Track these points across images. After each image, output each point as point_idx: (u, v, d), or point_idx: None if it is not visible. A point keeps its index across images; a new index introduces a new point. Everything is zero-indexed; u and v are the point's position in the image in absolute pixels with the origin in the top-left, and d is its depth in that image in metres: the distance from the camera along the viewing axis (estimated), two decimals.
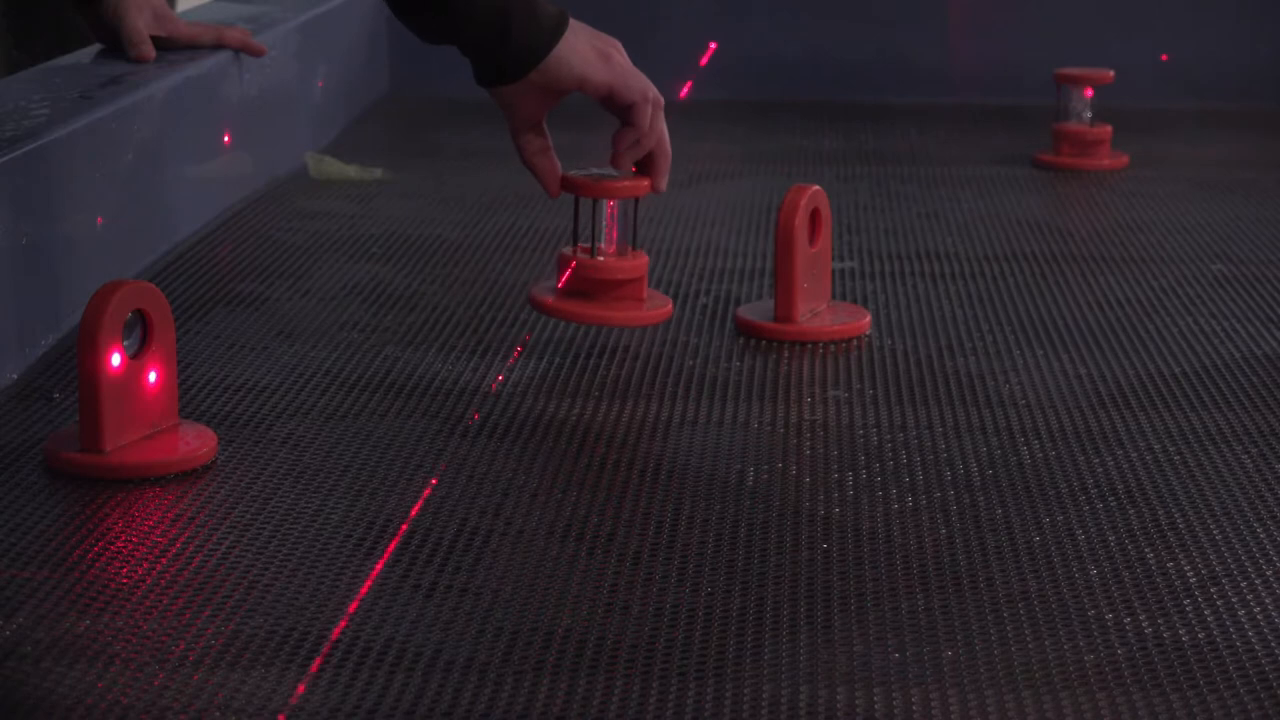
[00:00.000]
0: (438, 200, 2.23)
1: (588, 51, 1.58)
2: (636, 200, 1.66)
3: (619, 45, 1.63)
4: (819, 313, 1.74)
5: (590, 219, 1.64)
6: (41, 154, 1.66)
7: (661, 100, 1.63)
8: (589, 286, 1.65)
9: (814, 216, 1.72)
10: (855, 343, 1.71)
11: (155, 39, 2.13)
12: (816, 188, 1.73)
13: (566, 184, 1.63)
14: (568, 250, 1.66)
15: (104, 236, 1.81)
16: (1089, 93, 2.55)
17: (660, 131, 1.63)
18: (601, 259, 1.65)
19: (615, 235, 1.65)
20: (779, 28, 3.13)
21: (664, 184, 1.65)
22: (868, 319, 1.74)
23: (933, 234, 2.15)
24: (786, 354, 1.67)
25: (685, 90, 2.94)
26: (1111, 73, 2.56)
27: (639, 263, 1.66)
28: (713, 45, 3.08)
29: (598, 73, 1.58)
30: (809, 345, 1.69)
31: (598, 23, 1.62)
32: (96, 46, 2.17)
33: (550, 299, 1.65)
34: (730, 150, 2.67)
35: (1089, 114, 2.56)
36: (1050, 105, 2.60)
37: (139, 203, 1.93)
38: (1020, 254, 2.06)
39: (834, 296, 1.81)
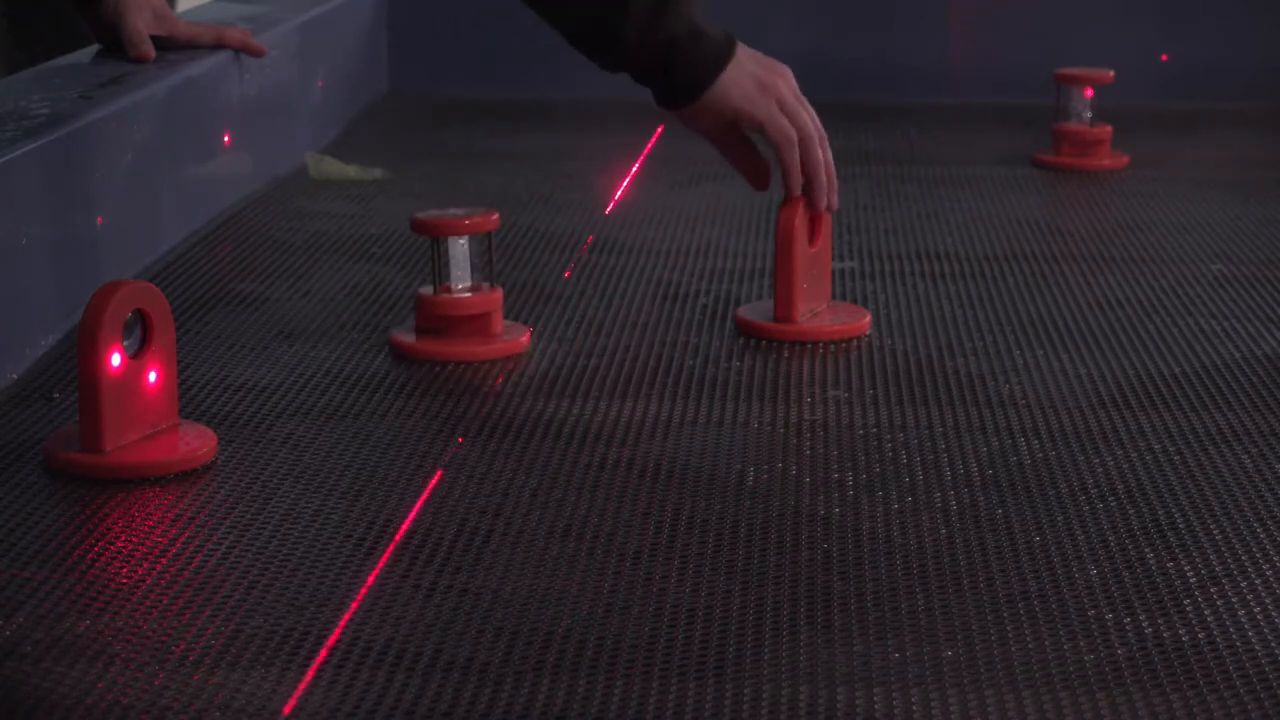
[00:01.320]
0: (438, 200, 2.23)
1: (748, 85, 1.62)
2: (489, 236, 1.66)
3: (786, 74, 1.67)
4: (819, 313, 1.74)
5: (442, 257, 1.67)
6: (41, 154, 1.66)
7: (815, 136, 1.67)
8: (440, 324, 1.67)
9: (814, 216, 1.72)
10: (855, 343, 1.71)
11: (155, 38, 2.13)
12: None
13: (413, 224, 1.66)
14: (426, 290, 1.68)
15: (104, 236, 1.81)
16: (1089, 93, 2.55)
17: (814, 165, 1.68)
18: (448, 296, 1.66)
19: (467, 272, 1.67)
20: (779, 28, 3.13)
21: (824, 205, 1.70)
22: (868, 319, 1.74)
23: (933, 234, 2.15)
24: (786, 354, 1.67)
25: None
26: (1111, 73, 2.56)
27: (487, 298, 1.67)
28: None
29: (753, 109, 1.63)
30: (809, 345, 1.69)
31: None
32: (96, 46, 2.17)
33: (407, 340, 1.67)
34: None
35: (1089, 114, 2.56)
36: (1050, 105, 2.60)
37: (139, 203, 1.93)
38: (1020, 254, 2.06)
39: (834, 296, 1.81)
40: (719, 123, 1.66)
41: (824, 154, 1.68)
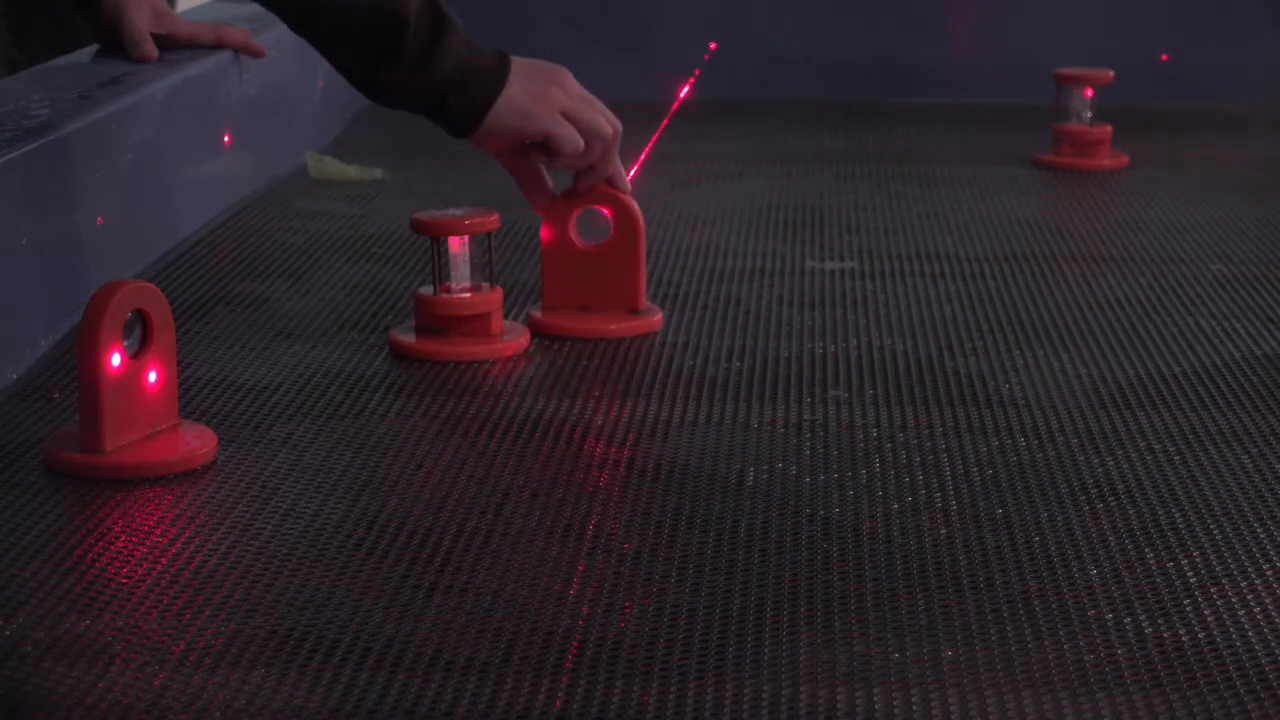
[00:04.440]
0: (438, 200, 2.23)
1: (524, 103, 1.63)
2: (489, 236, 1.67)
3: (563, 78, 1.66)
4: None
5: (443, 256, 1.67)
6: (42, 154, 1.66)
7: (608, 134, 1.66)
8: (440, 324, 1.67)
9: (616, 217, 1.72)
10: (855, 342, 1.71)
11: (155, 37, 2.13)
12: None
13: (412, 224, 1.67)
14: (426, 290, 1.68)
15: (104, 236, 1.81)
16: (1089, 93, 2.55)
17: (602, 175, 1.69)
18: (447, 296, 1.67)
19: (466, 272, 1.68)
20: (779, 28, 3.14)
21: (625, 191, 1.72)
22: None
23: (932, 234, 2.15)
24: (787, 354, 1.67)
25: (685, 90, 2.95)
26: (1111, 73, 2.56)
27: (487, 298, 1.67)
28: (713, 45, 3.08)
29: (533, 125, 1.63)
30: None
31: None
32: (96, 46, 2.17)
33: (406, 339, 1.67)
34: (730, 150, 2.67)
35: (1089, 114, 2.56)
36: (1050, 105, 2.60)
37: (139, 203, 1.93)
38: (1020, 254, 2.06)
39: (833, 296, 1.81)
40: (509, 144, 1.66)
41: (614, 154, 1.68)
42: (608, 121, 1.66)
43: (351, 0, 1.57)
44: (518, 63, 1.64)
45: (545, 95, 1.64)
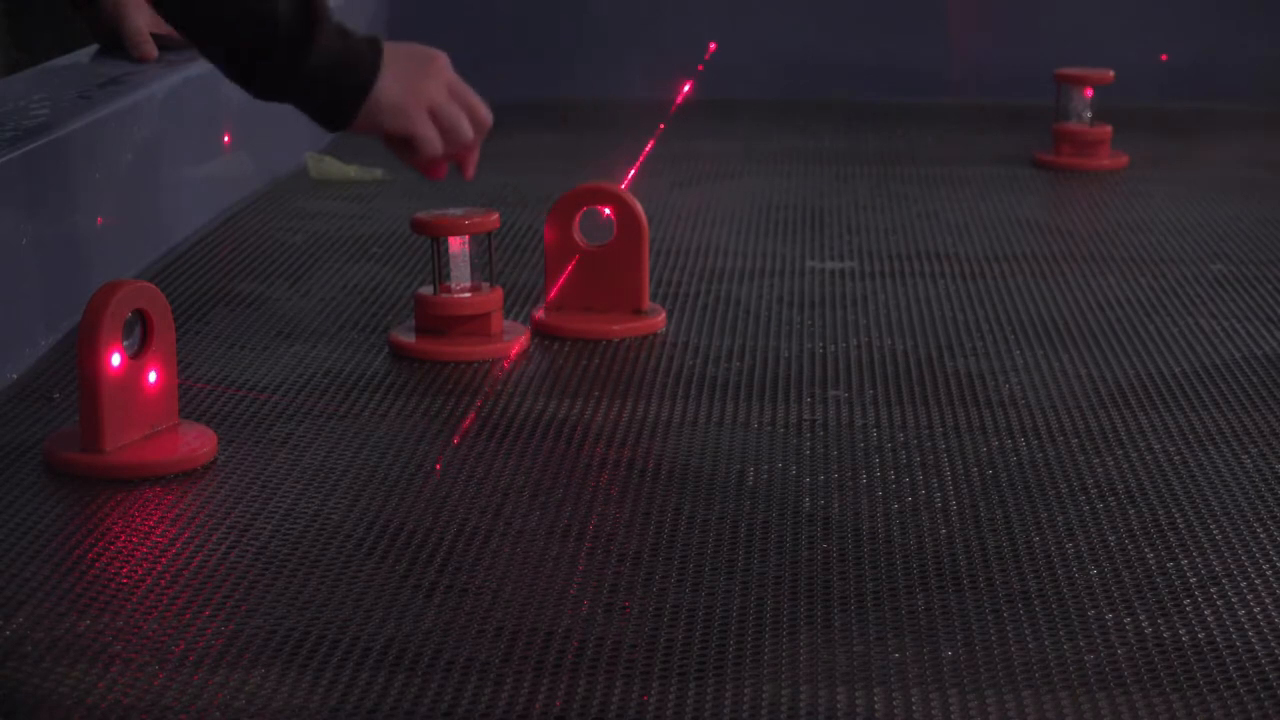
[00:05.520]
0: (438, 200, 2.23)
1: (395, 99, 1.59)
2: (489, 236, 1.66)
3: (438, 69, 1.62)
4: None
5: (444, 256, 1.67)
6: (41, 154, 1.66)
7: (466, 136, 1.61)
8: (440, 324, 1.67)
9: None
10: (855, 342, 1.71)
11: (155, 37, 2.13)
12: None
13: (412, 224, 1.66)
14: (426, 290, 1.68)
15: (104, 236, 1.81)
16: (1089, 93, 2.55)
17: (465, 161, 1.64)
18: (447, 296, 1.67)
19: (466, 272, 1.67)
20: (779, 28, 3.13)
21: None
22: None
23: (932, 234, 2.15)
24: (787, 354, 1.67)
25: (685, 90, 2.95)
26: (1111, 73, 2.56)
27: (487, 298, 1.67)
28: (713, 45, 3.08)
29: (398, 125, 1.60)
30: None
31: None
32: (96, 46, 2.17)
33: (406, 339, 1.67)
34: (730, 150, 2.67)
35: (1089, 114, 2.56)
36: (1050, 105, 2.60)
37: (139, 203, 1.93)
38: (1020, 254, 2.06)
39: (833, 296, 1.81)
40: (375, 135, 1.63)
41: (476, 145, 1.64)
42: (474, 119, 1.62)
43: (221, 1, 1.56)
44: (391, 52, 1.60)
45: (416, 90, 1.60)
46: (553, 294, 1.74)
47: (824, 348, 1.69)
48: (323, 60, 1.56)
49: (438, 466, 1.39)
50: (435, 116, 1.61)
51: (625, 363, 1.65)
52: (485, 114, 1.64)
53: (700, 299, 1.85)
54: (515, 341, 1.67)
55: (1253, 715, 1.03)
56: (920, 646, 1.10)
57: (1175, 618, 1.14)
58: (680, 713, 1.02)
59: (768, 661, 1.08)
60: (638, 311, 1.74)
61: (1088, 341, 1.72)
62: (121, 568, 1.21)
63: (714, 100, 2.95)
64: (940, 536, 1.27)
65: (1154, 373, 1.63)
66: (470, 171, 1.67)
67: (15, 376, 1.58)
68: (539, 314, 1.73)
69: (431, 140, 1.61)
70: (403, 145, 1.63)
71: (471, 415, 1.52)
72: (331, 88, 1.58)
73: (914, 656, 1.09)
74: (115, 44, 2.13)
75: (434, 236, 1.66)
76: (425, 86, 1.61)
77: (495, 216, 1.67)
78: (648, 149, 2.56)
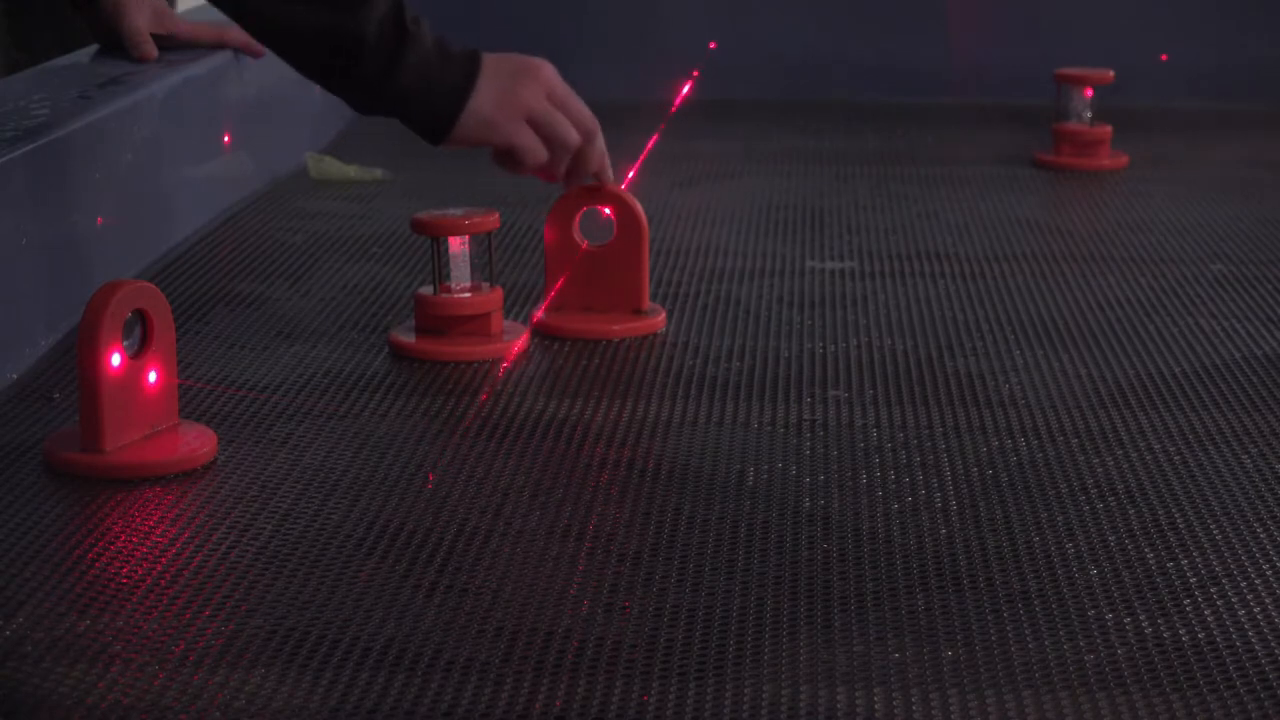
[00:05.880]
0: (438, 200, 2.23)
1: (490, 112, 1.60)
2: (489, 236, 1.67)
3: (539, 77, 1.62)
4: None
5: (447, 256, 1.67)
6: (41, 154, 1.66)
7: (572, 142, 1.64)
8: (440, 324, 1.67)
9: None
10: (855, 342, 1.71)
11: (155, 37, 2.13)
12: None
13: (412, 224, 1.66)
14: (426, 290, 1.68)
15: (104, 236, 1.81)
16: (1089, 93, 2.55)
17: (583, 177, 1.68)
18: (447, 296, 1.66)
19: (466, 272, 1.67)
20: (779, 28, 3.14)
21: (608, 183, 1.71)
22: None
23: (932, 234, 2.15)
24: (787, 354, 1.67)
25: (685, 90, 2.95)
26: (1111, 73, 2.56)
27: (487, 298, 1.67)
28: (713, 45, 3.08)
29: (497, 137, 1.61)
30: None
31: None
32: (96, 46, 2.17)
33: (406, 339, 1.67)
34: (730, 150, 2.67)
35: (1089, 114, 2.56)
36: (1050, 105, 2.60)
37: (139, 203, 1.93)
38: (1020, 254, 2.06)
39: (833, 296, 1.81)
40: (478, 148, 1.65)
41: (593, 148, 1.66)
42: (580, 125, 1.64)
43: (306, 18, 1.55)
44: (490, 64, 1.60)
45: (513, 102, 1.60)
46: (552, 294, 1.74)
47: (824, 348, 1.69)
48: (415, 76, 1.57)
49: (430, 477, 1.39)
50: (535, 124, 1.61)
51: (625, 363, 1.65)
52: (589, 119, 1.64)
53: (700, 299, 1.85)
54: (515, 342, 1.67)
55: (1253, 715, 1.03)
56: (920, 646, 1.10)
57: (1175, 618, 1.14)
58: (680, 713, 1.02)
59: (768, 661, 1.08)
60: (638, 311, 1.74)
61: (1088, 341, 1.72)
62: (121, 568, 1.21)
63: (714, 100, 2.95)
64: (940, 536, 1.27)
65: (1154, 373, 1.63)
66: (606, 177, 1.69)
67: (15, 376, 1.58)
68: (539, 314, 1.73)
69: (533, 149, 1.61)
70: (508, 157, 1.64)
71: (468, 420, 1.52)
72: (426, 103, 1.58)
73: (914, 656, 1.09)
74: (115, 44, 2.13)
75: (434, 236, 1.66)
76: (521, 96, 1.61)
77: (495, 216, 1.67)
78: (648, 149, 2.56)
